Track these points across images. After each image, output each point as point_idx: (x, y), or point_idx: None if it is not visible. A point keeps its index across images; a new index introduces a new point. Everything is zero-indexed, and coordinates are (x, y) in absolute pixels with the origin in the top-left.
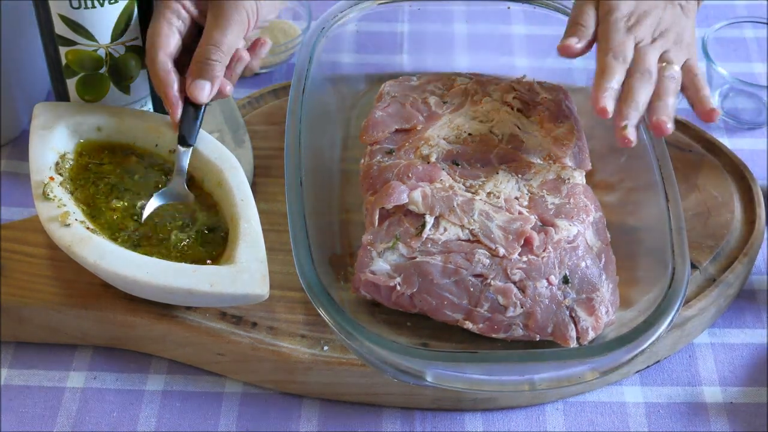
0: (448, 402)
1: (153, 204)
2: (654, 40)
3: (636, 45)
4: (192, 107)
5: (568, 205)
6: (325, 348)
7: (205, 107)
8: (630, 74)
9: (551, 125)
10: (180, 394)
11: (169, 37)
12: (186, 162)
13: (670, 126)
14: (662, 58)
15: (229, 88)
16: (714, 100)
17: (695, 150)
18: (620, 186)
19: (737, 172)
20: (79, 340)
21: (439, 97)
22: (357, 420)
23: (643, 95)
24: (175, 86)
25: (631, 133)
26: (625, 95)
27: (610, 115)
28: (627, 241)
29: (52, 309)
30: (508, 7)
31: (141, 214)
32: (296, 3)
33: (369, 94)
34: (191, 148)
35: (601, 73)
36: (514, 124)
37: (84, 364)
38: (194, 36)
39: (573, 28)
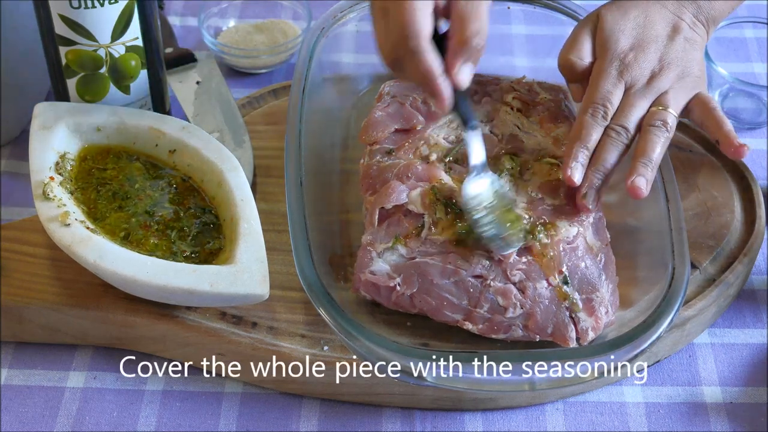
0: (448, 402)
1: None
2: (651, 80)
3: (627, 90)
4: (458, 95)
5: (567, 206)
6: (325, 348)
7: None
8: (606, 132)
9: (551, 125)
10: (180, 394)
11: (429, 20)
12: (480, 143)
13: (644, 191)
14: (658, 101)
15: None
16: (714, 100)
17: (695, 150)
18: (620, 186)
19: (737, 172)
20: (79, 340)
21: None
22: (357, 420)
23: (612, 155)
24: (442, 74)
25: (590, 200)
26: (595, 155)
27: (578, 184)
28: (627, 241)
29: (52, 309)
30: (508, 7)
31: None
32: (296, 3)
33: (369, 94)
34: (479, 128)
35: (576, 134)
36: (514, 124)
37: (84, 364)
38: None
39: (565, 67)
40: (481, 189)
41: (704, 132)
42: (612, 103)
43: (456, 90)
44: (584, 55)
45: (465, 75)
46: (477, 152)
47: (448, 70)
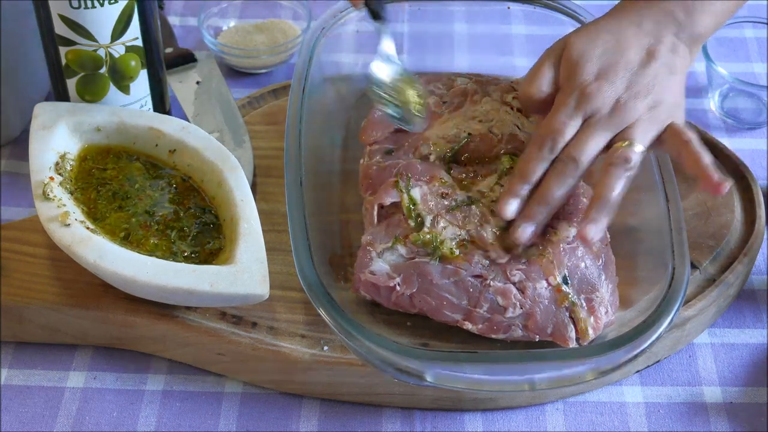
0: (448, 402)
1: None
2: (615, 110)
3: (586, 121)
4: None
5: (567, 206)
6: (325, 348)
7: None
8: (552, 163)
9: None
10: (180, 394)
11: None
12: (387, 36)
13: (593, 239)
14: (622, 135)
15: None
16: (714, 100)
17: None
18: None
19: (737, 172)
20: (79, 340)
21: (438, 97)
22: (357, 420)
23: (555, 188)
24: None
25: (523, 235)
26: (538, 189)
27: (511, 217)
28: (627, 241)
29: (52, 309)
30: (508, 7)
31: (142, 219)
32: (296, 3)
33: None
34: (387, 23)
35: (518, 168)
36: (514, 124)
37: (84, 364)
38: None
39: (524, 99)
40: (384, 72)
41: (680, 165)
42: (563, 135)
43: None
44: (544, 86)
45: None
46: (385, 42)
47: None
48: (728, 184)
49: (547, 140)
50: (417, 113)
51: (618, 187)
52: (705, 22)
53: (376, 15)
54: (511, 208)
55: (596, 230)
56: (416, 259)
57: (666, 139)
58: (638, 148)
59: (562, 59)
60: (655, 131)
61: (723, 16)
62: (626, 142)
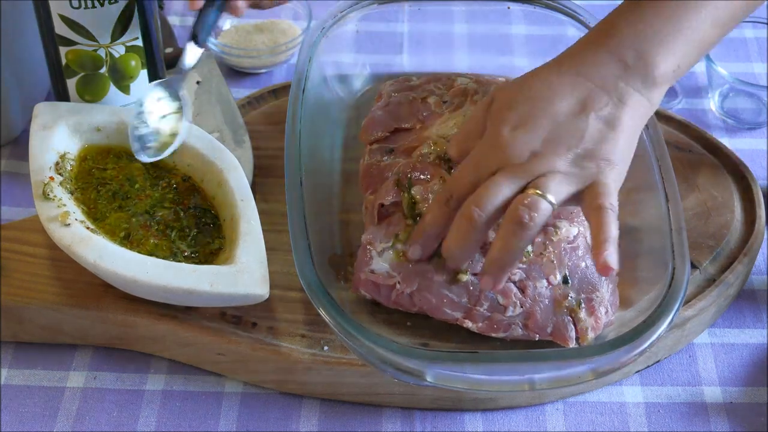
0: (448, 402)
1: (149, 95)
2: (528, 162)
3: (494, 173)
4: (212, 10)
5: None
6: (325, 348)
7: (220, 13)
8: (456, 215)
9: None
10: (180, 394)
11: None
12: (192, 62)
13: (494, 288)
14: (533, 184)
15: (243, 5)
16: (714, 100)
17: (695, 150)
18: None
19: (737, 172)
20: (79, 340)
21: (438, 97)
22: (357, 420)
23: (456, 241)
24: None
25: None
26: (443, 243)
27: (417, 259)
28: (627, 241)
29: (52, 309)
30: (508, 7)
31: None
32: (296, 3)
33: (369, 94)
34: (202, 50)
35: (421, 219)
36: None
37: (84, 364)
38: None
39: (450, 154)
40: (154, 95)
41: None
42: (460, 188)
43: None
44: (469, 143)
45: None
46: (183, 65)
47: None
48: (614, 270)
49: (444, 192)
50: (155, 150)
51: (514, 241)
52: (666, 64)
53: (196, 38)
54: (415, 253)
55: (493, 284)
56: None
57: (584, 198)
58: (547, 199)
59: (488, 112)
60: (573, 186)
61: (694, 54)
62: (536, 191)
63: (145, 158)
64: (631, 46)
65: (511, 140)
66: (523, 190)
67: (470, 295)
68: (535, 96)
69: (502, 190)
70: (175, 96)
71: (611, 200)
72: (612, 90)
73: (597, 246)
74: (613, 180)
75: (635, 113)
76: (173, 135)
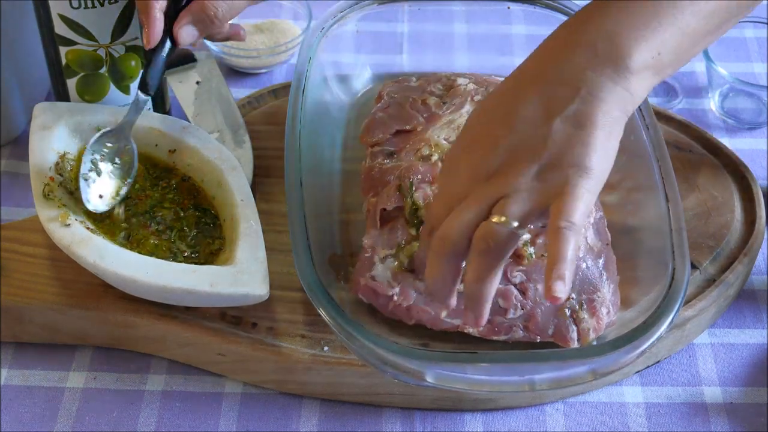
0: (448, 402)
1: (88, 158)
2: (488, 180)
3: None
4: (160, 53)
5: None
6: (325, 348)
7: (169, 57)
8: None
9: None
10: (180, 394)
11: None
12: (138, 113)
13: (476, 326)
14: (497, 207)
15: (200, 42)
16: (714, 100)
17: (695, 150)
18: (620, 186)
19: (737, 172)
20: (79, 340)
21: (438, 98)
22: (357, 420)
23: (435, 270)
24: (159, 6)
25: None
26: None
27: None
28: (627, 241)
29: (52, 309)
30: (508, 7)
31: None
32: (296, 3)
33: (369, 94)
34: (149, 98)
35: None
36: None
37: (84, 364)
38: None
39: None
40: (104, 144)
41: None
42: (439, 216)
43: (170, 44)
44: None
45: (186, 33)
46: (128, 115)
47: (176, 22)
48: (560, 299)
49: (427, 225)
50: (107, 199)
51: (482, 272)
52: (640, 49)
53: (144, 87)
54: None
55: (476, 319)
56: (413, 274)
57: (550, 215)
58: (511, 223)
59: None
60: (534, 202)
61: (676, 42)
62: (497, 217)
63: (92, 208)
64: (601, 34)
65: (468, 164)
66: (488, 214)
67: None
68: (494, 109)
69: (465, 218)
70: (125, 144)
71: (571, 217)
72: (581, 84)
73: (548, 270)
74: (586, 188)
75: (611, 106)
76: (120, 187)
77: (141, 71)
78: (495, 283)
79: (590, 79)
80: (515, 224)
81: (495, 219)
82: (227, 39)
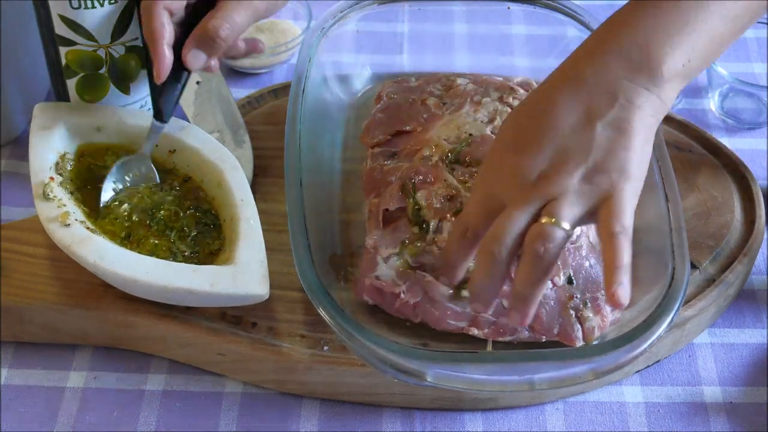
0: (448, 402)
1: (109, 186)
2: (535, 184)
3: (505, 200)
4: (175, 82)
5: None
6: (325, 348)
7: (184, 84)
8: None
9: None
10: (180, 394)
11: None
12: (157, 139)
13: (522, 324)
14: (546, 210)
15: (215, 64)
16: (714, 100)
17: (695, 150)
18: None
19: (737, 172)
20: (79, 340)
21: (438, 98)
22: (357, 420)
23: (481, 285)
24: (166, 41)
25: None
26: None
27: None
28: None
29: (52, 309)
30: (508, 7)
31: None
32: (296, 3)
33: (369, 94)
34: (165, 125)
35: (443, 251)
36: None
37: (84, 364)
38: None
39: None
40: (125, 173)
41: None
42: (478, 217)
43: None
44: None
45: (194, 59)
46: (147, 144)
47: (183, 48)
48: (623, 305)
49: (460, 226)
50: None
51: (534, 275)
52: (673, 57)
53: (159, 114)
54: (444, 289)
55: (521, 319)
56: (419, 272)
57: (598, 218)
58: (562, 227)
59: None
60: (584, 205)
61: (704, 49)
62: (548, 218)
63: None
64: (634, 42)
65: (515, 166)
66: (537, 216)
67: None
68: (536, 112)
69: (517, 221)
70: (146, 171)
71: (624, 222)
72: (618, 91)
73: (607, 276)
74: (629, 194)
75: (646, 113)
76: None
77: (141, 71)
78: (545, 285)
79: (627, 87)
80: (567, 226)
81: (546, 220)
82: (246, 55)
